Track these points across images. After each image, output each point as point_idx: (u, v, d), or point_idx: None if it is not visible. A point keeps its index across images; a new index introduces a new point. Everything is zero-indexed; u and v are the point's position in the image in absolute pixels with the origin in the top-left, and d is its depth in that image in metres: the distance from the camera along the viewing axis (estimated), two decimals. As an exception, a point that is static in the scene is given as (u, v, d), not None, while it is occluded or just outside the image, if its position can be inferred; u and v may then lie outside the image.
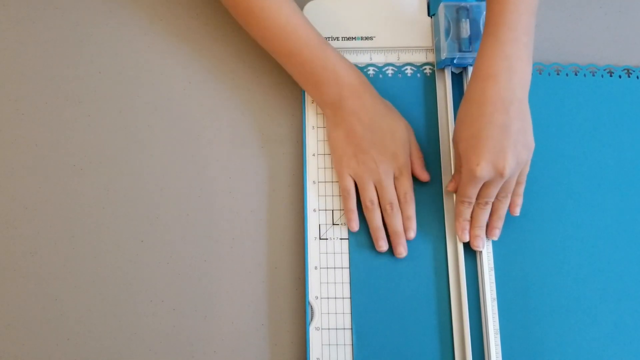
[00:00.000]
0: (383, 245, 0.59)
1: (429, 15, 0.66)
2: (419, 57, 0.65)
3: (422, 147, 0.61)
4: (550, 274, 0.59)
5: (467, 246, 0.59)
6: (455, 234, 0.59)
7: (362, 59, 0.65)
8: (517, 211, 0.60)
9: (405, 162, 0.60)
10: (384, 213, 0.59)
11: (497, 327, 0.57)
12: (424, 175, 0.61)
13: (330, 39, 0.65)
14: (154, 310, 0.60)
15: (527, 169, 0.59)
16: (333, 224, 0.60)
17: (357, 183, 0.60)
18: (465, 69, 0.63)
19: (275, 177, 0.63)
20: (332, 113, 0.60)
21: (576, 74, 0.64)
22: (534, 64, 0.64)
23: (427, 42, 0.65)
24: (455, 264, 0.59)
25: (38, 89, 0.66)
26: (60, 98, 0.65)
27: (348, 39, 0.65)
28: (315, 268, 0.59)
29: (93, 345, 0.59)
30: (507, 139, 0.54)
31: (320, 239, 0.60)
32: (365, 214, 0.60)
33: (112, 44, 0.67)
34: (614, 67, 0.65)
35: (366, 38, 0.65)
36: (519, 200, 0.60)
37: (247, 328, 0.59)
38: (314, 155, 0.62)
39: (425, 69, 0.64)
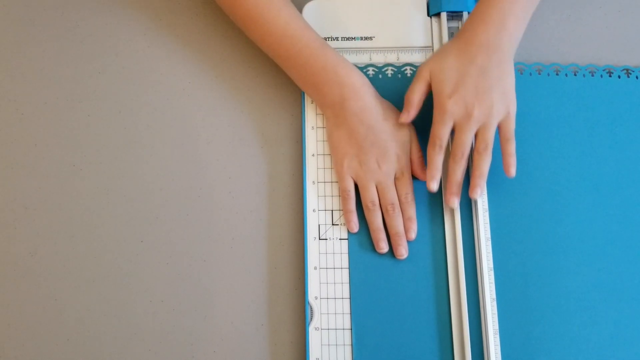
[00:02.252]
0: (384, 247, 0.59)
1: (428, 15, 0.66)
2: (419, 57, 0.65)
3: (422, 148, 0.61)
4: (550, 273, 0.59)
5: (467, 246, 0.59)
6: (454, 235, 0.59)
7: (361, 59, 0.65)
8: (511, 171, 0.57)
9: (407, 162, 0.60)
10: (384, 214, 0.59)
11: (497, 327, 0.57)
12: (424, 176, 0.61)
13: (329, 39, 0.65)
14: (153, 310, 0.60)
15: (511, 124, 0.57)
16: (332, 224, 0.60)
17: (358, 184, 0.60)
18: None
19: (275, 177, 0.63)
20: (333, 114, 0.60)
21: (575, 74, 0.64)
22: (533, 64, 0.64)
23: (427, 42, 0.65)
24: (455, 264, 0.59)
25: (38, 89, 0.66)
26: (60, 98, 0.65)
27: (347, 39, 0.65)
28: (315, 268, 0.59)
29: (93, 345, 0.59)
30: (483, 81, 0.55)
31: (319, 239, 0.60)
32: (365, 215, 0.60)
33: (112, 44, 0.67)
34: (613, 67, 0.65)
35: (365, 38, 0.65)
36: (511, 160, 0.57)
37: (246, 328, 0.59)
38: (313, 155, 0.62)
39: (424, 69, 0.64)
